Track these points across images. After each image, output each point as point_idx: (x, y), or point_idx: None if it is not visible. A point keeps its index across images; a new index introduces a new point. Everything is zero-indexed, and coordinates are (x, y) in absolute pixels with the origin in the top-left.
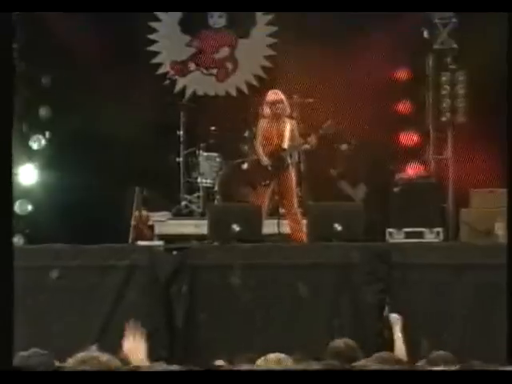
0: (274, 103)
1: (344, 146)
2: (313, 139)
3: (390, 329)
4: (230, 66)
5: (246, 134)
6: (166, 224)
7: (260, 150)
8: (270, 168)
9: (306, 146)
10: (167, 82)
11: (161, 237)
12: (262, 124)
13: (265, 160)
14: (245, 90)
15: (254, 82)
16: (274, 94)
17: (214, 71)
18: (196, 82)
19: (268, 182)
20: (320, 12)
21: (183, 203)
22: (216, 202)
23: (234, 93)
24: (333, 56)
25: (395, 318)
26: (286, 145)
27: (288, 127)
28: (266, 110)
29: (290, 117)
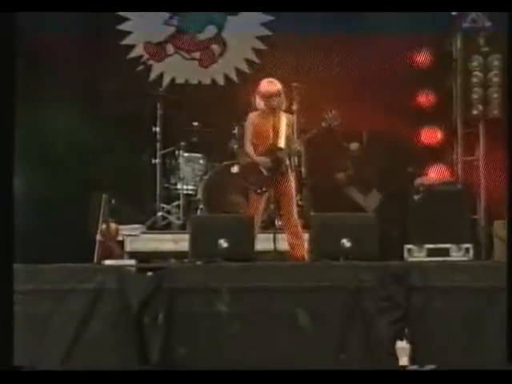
0: (268, 95)
1: (354, 145)
2: (295, 146)
3: (396, 358)
4: (216, 48)
5: (236, 130)
6: (138, 239)
7: (250, 150)
8: (264, 172)
9: (295, 148)
10: (141, 67)
11: (133, 254)
12: (254, 119)
13: (259, 162)
14: (234, 77)
15: (246, 69)
16: (269, 84)
17: (197, 55)
18: (175, 68)
19: (262, 188)
20: (320, 11)
21: (160, 214)
22: (199, 212)
23: (221, 81)
24: (341, 35)
25: (403, 348)
26: (282, 143)
27: (285, 122)
28: (259, 103)
29: (289, 111)
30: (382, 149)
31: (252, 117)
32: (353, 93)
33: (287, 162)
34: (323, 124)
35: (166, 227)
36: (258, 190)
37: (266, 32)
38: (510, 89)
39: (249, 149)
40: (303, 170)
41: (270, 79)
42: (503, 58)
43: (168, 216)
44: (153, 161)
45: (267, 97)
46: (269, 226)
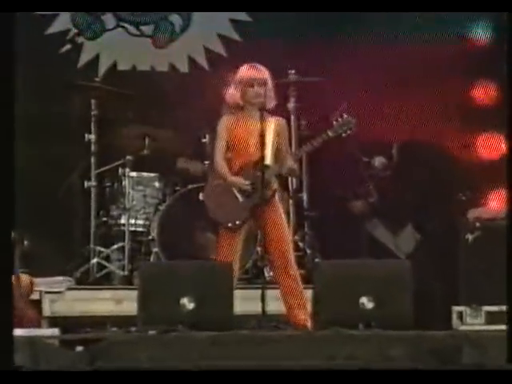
0: (248, 83)
1: (378, 162)
2: (288, 163)
3: None
4: (176, 20)
5: (207, 139)
6: (63, 298)
7: (222, 167)
8: (239, 197)
9: (288, 166)
10: (67, 47)
11: (54, 320)
12: (228, 122)
13: (232, 183)
14: (203, 62)
15: (221, 49)
16: (250, 69)
17: (149, 29)
18: (117, 49)
19: (235, 221)
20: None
21: (95, 261)
22: (153, 258)
23: (184, 67)
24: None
25: None
26: (268, 158)
27: (273, 127)
28: (234, 95)
29: (279, 113)
30: (420, 167)
31: (226, 120)
32: (376, 88)
33: (274, 185)
34: (330, 133)
35: (104, 280)
36: (229, 224)
37: None
38: (510, 88)
39: (220, 165)
40: (305, 196)
41: (255, 64)
42: None
43: (107, 264)
44: (85, 183)
45: (247, 86)
46: (255, 277)
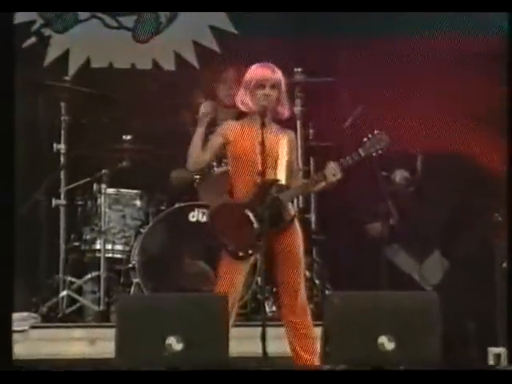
0: (261, 84)
1: (400, 176)
2: (332, 170)
3: None
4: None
5: None
6: (27, 337)
7: (202, 156)
8: (254, 222)
9: (323, 184)
10: (31, 41)
11: (17, 364)
12: (232, 129)
13: (245, 205)
14: (192, 59)
15: (214, 44)
16: (262, 69)
17: (130, 21)
18: (91, 43)
19: (248, 251)
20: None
21: (64, 294)
22: (133, 290)
23: (169, 64)
24: None
25: None
26: (281, 174)
27: (285, 142)
28: (247, 102)
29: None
30: (449, 182)
31: (230, 126)
32: (395, 91)
33: (292, 210)
34: (362, 153)
35: (76, 316)
36: (240, 253)
37: None
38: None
39: (199, 153)
40: (313, 217)
41: (267, 64)
42: None
43: (79, 297)
44: (53, 202)
45: (256, 88)
46: (254, 313)
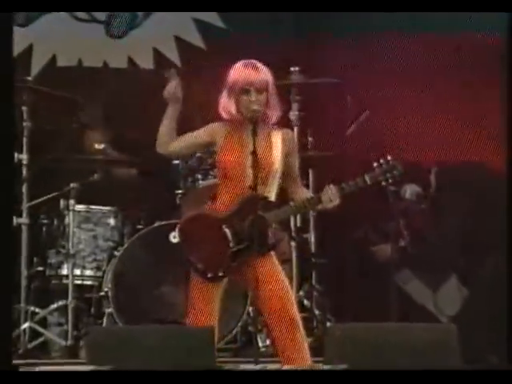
0: (244, 89)
1: (411, 190)
2: (329, 195)
3: None
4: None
5: (179, 160)
6: None
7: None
8: (233, 243)
9: (317, 208)
10: None
11: None
12: (220, 134)
13: (230, 221)
14: (173, 56)
15: (198, 40)
16: (248, 68)
17: (103, 13)
18: (58, 38)
19: (217, 272)
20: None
21: (26, 325)
22: (106, 321)
23: (147, 62)
24: None
25: None
26: (272, 190)
27: (279, 147)
28: (231, 108)
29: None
30: (467, 197)
31: (219, 130)
32: (405, 94)
33: (279, 234)
34: (368, 180)
35: (40, 352)
36: (209, 274)
37: None
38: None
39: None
40: (312, 237)
41: (252, 61)
42: None
43: (43, 330)
44: (14, 220)
45: (241, 92)
46: (245, 347)
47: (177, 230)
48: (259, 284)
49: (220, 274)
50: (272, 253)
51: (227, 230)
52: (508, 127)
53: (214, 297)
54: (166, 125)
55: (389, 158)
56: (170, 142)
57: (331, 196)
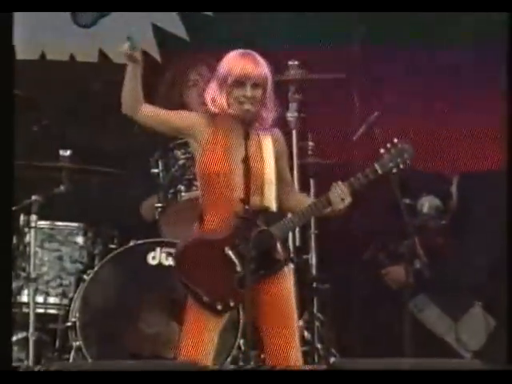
0: (238, 82)
1: (429, 204)
2: (339, 193)
3: None
4: None
5: (160, 166)
6: None
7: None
8: (237, 265)
9: (327, 211)
10: None
11: None
12: (203, 132)
13: (217, 240)
14: (151, 49)
15: (178, 29)
16: (244, 59)
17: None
18: (17, 28)
19: (229, 303)
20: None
21: None
22: (73, 356)
23: (120, 56)
24: None
25: None
26: (270, 199)
27: (271, 144)
28: (221, 102)
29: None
30: (493, 212)
31: (203, 128)
32: (420, 94)
33: (286, 251)
34: (379, 169)
35: None
36: (219, 307)
37: None
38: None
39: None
40: (313, 259)
41: (250, 51)
42: None
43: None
44: None
45: (234, 85)
46: None
47: (173, 260)
48: (265, 313)
49: (231, 305)
50: (286, 269)
51: (230, 252)
52: (508, 127)
53: (215, 329)
54: (128, 86)
55: (395, 140)
56: (138, 105)
57: (341, 194)
